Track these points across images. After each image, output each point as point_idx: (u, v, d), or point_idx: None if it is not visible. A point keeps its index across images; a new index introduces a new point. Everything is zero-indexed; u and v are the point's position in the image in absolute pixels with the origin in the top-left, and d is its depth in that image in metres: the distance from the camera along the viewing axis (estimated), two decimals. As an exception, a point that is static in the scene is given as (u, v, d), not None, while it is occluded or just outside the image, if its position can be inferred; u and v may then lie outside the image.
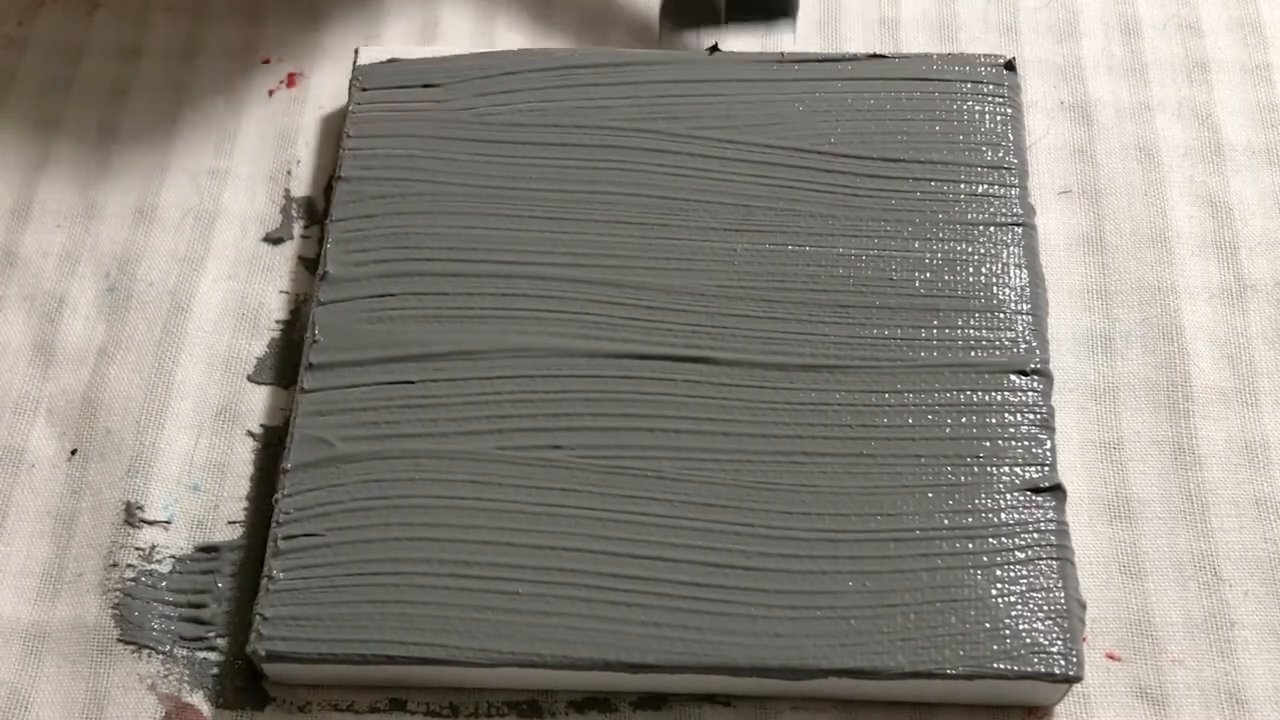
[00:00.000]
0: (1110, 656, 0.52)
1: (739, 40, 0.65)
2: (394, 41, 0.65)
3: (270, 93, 0.64)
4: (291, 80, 0.64)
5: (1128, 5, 0.65)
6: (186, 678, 0.52)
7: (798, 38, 0.65)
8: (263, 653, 0.50)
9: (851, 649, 0.49)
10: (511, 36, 0.65)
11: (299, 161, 0.62)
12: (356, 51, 0.62)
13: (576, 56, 0.62)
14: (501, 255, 0.57)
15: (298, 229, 0.61)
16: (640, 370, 0.54)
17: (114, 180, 0.62)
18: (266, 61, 0.65)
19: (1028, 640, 0.49)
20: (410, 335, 0.55)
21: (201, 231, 0.60)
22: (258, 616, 0.50)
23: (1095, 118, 0.62)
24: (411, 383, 0.54)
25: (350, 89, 0.61)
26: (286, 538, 0.52)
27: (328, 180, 0.61)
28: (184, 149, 0.62)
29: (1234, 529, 0.54)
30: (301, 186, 0.62)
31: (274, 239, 0.60)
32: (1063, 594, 0.50)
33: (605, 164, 0.59)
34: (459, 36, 0.65)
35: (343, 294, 0.56)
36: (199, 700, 0.52)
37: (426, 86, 0.61)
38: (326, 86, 0.64)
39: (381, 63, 0.62)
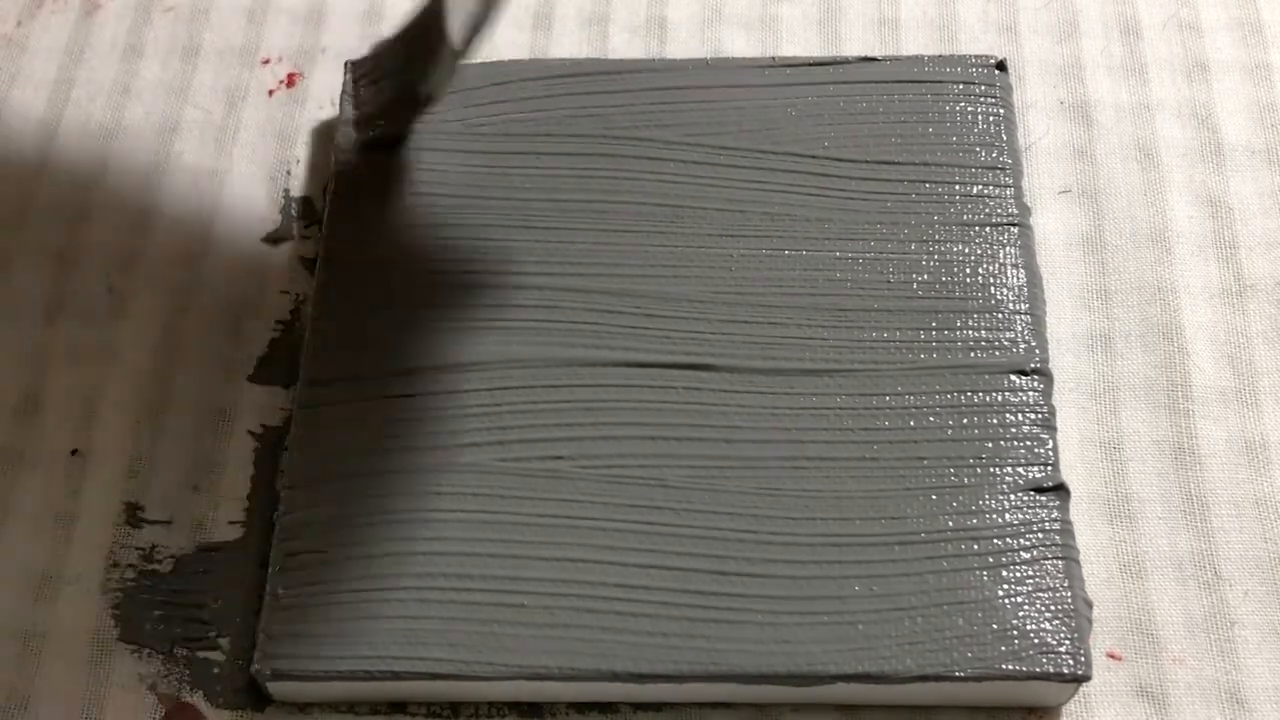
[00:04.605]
0: (1111, 655, 0.52)
1: (734, 43, 0.65)
2: (393, 41, 0.65)
3: (270, 93, 0.64)
4: (291, 80, 0.64)
5: (1128, 5, 0.65)
6: (186, 678, 0.52)
7: (797, 38, 0.65)
8: (268, 672, 0.50)
9: (859, 653, 0.49)
10: (511, 36, 0.65)
11: (299, 161, 0.62)
12: (347, 65, 0.62)
13: (568, 65, 0.62)
14: (498, 266, 0.57)
15: (297, 229, 0.61)
16: (640, 378, 0.54)
17: (114, 180, 0.62)
18: (266, 62, 0.65)
19: (1035, 641, 0.49)
20: (409, 348, 0.55)
21: (201, 231, 0.60)
22: (261, 635, 0.50)
23: (1095, 118, 0.62)
24: (411, 395, 0.54)
25: (340, 103, 0.61)
26: (289, 554, 0.52)
27: (327, 180, 0.61)
28: (184, 149, 0.62)
29: (1234, 529, 0.54)
30: (301, 186, 0.62)
31: (274, 239, 0.60)
32: (1069, 593, 0.50)
33: (599, 172, 0.59)
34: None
35: (340, 307, 0.56)
36: (199, 700, 0.52)
37: None
38: (326, 86, 0.64)
39: None
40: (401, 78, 0.58)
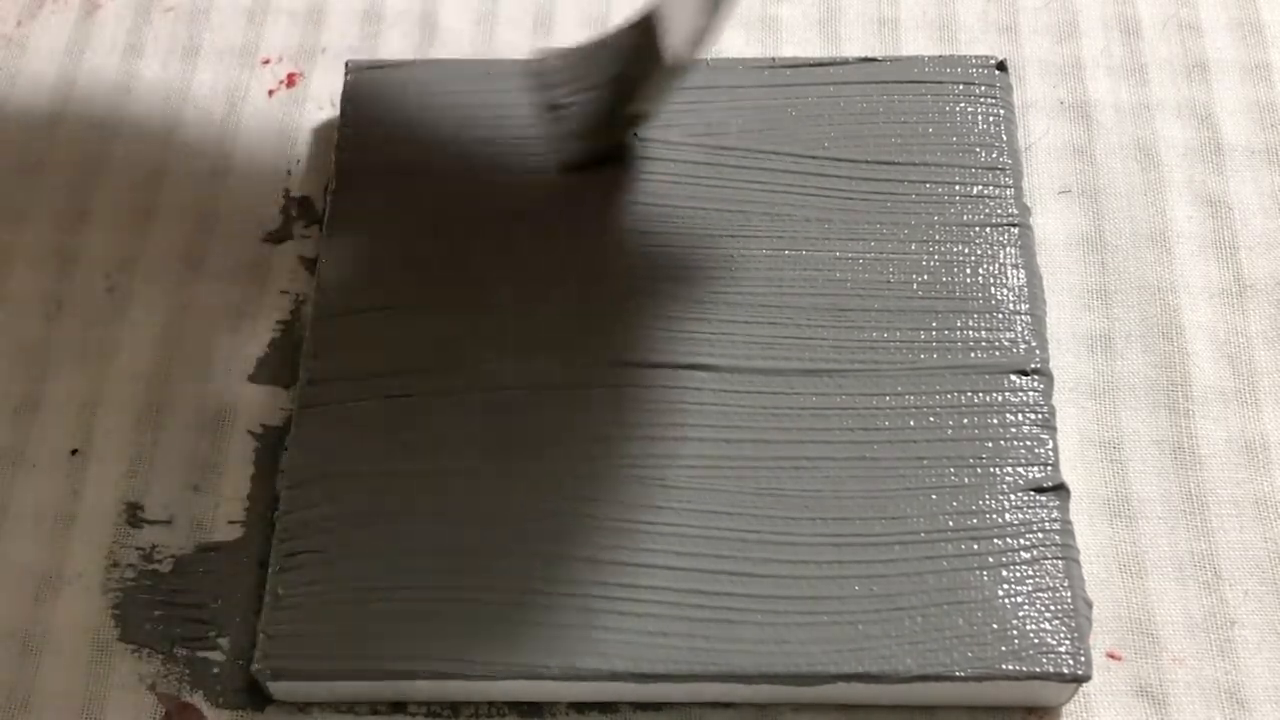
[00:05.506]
0: (1111, 655, 0.52)
1: (734, 43, 0.65)
2: (393, 41, 0.65)
3: (270, 93, 0.64)
4: (291, 80, 0.64)
5: (1128, 5, 0.65)
6: (186, 678, 0.52)
7: (798, 38, 0.65)
8: (268, 671, 0.50)
9: (859, 653, 0.49)
10: (511, 37, 0.65)
11: (299, 161, 0.62)
12: (348, 65, 0.62)
13: None
14: (500, 267, 0.57)
15: (298, 229, 0.61)
16: (640, 378, 0.54)
17: (114, 180, 0.62)
18: (266, 62, 0.65)
19: (1035, 640, 0.49)
20: (408, 348, 0.55)
21: (201, 231, 0.60)
22: (261, 635, 0.50)
23: (1095, 118, 0.62)
24: (411, 396, 0.54)
25: (341, 103, 0.61)
26: (289, 554, 0.52)
27: (327, 180, 0.61)
28: (184, 149, 0.62)
29: (1234, 529, 0.54)
30: (301, 186, 0.62)
31: (274, 239, 0.60)
32: (1069, 593, 0.50)
33: (600, 173, 0.58)
34: (459, 36, 0.65)
35: (339, 308, 0.56)
36: (199, 700, 0.52)
37: (416, 96, 0.61)
38: (326, 86, 0.64)
39: (370, 73, 0.61)
40: (609, 94, 0.56)
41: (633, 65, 0.54)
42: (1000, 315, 0.55)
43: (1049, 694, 0.50)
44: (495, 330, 0.55)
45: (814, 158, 0.59)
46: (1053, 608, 0.50)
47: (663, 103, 0.57)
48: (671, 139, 0.59)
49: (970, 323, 0.55)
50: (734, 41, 0.65)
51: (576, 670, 0.49)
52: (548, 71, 0.57)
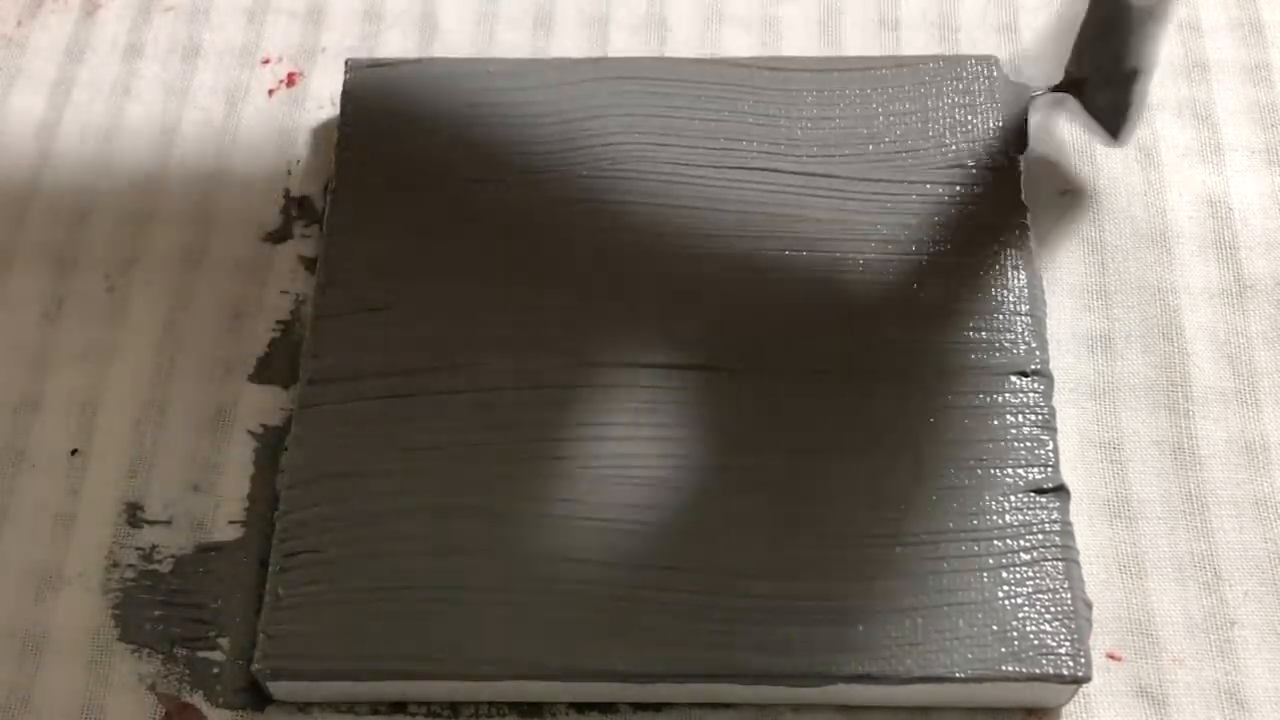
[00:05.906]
0: (1111, 656, 0.52)
1: (734, 43, 0.65)
2: (393, 41, 0.65)
3: (270, 93, 0.64)
4: (291, 80, 0.64)
5: (1127, 5, 0.65)
6: (186, 678, 0.52)
7: (798, 38, 0.65)
8: (269, 671, 0.50)
9: (859, 654, 0.49)
10: (511, 37, 0.65)
11: (299, 161, 0.62)
12: (347, 64, 0.62)
13: (564, 64, 0.61)
14: (499, 267, 0.57)
15: (298, 229, 0.61)
16: (641, 379, 0.54)
17: (114, 180, 0.62)
18: (266, 62, 0.65)
19: (1035, 642, 0.49)
20: (408, 348, 0.55)
21: (201, 231, 0.60)
22: (262, 634, 0.50)
23: (1095, 118, 0.62)
24: (411, 395, 0.54)
25: (341, 102, 0.61)
26: (288, 554, 0.52)
27: (327, 180, 0.61)
28: (184, 149, 0.62)
29: (1234, 529, 0.54)
30: (301, 186, 0.62)
31: (274, 239, 0.60)
32: (1069, 595, 0.50)
33: (599, 172, 0.59)
34: (459, 36, 0.65)
35: (339, 307, 0.56)
36: (199, 700, 0.51)
37: (416, 96, 0.61)
38: (326, 86, 0.64)
39: (370, 73, 0.61)
40: (1100, 63, 0.57)
41: (1107, 27, 0.55)
42: (1000, 316, 0.55)
43: (1049, 695, 0.50)
44: (495, 330, 0.55)
45: (814, 157, 0.59)
46: (1053, 609, 0.50)
47: (1155, 52, 0.56)
48: (671, 140, 0.59)
49: (970, 324, 0.55)
50: (734, 41, 0.65)
51: (576, 670, 0.49)
52: (1030, 63, 0.58)
